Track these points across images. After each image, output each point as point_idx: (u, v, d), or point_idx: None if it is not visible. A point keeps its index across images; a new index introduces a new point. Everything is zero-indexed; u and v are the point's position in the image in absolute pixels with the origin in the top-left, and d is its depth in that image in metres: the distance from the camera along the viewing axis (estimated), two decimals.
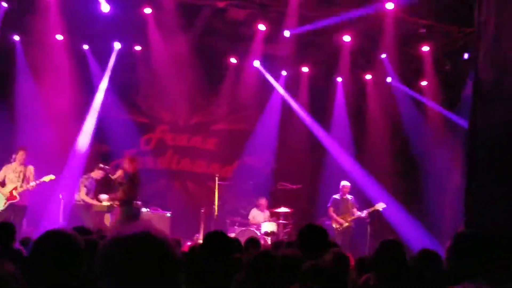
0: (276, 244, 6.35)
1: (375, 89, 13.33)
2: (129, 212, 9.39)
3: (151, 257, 1.64)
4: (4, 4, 10.48)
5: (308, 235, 4.33)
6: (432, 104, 12.63)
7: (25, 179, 9.59)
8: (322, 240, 4.30)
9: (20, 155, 9.65)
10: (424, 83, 12.82)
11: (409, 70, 12.76)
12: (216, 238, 4.31)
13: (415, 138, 12.79)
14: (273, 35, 11.45)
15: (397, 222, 12.05)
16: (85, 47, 12.14)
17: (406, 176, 13.06)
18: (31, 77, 11.65)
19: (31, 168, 9.70)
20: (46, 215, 10.63)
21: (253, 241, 6.02)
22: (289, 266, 3.89)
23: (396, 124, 13.06)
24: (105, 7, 10.11)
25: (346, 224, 11.12)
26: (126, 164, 9.57)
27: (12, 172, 9.62)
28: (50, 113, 11.48)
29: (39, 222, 10.26)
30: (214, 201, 11.19)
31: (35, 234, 6.40)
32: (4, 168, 9.71)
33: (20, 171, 9.59)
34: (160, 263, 1.64)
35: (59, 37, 11.37)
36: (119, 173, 9.65)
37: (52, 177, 9.68)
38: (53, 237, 2.84)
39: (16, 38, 11.63)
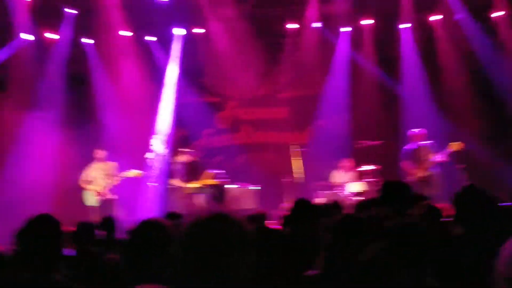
0: (360, 204, 6.39)
1: (443, 29, 12.82)
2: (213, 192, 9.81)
3: (225, 235, 1.87)
4: (73, 11, 11.00)
5: (390, 191, 4.36)
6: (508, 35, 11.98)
7: (109, 175, 10.18)
8: (405, 194, 4.30)
9: (100, 154, 10.27)
10: (495, 14, 12.19)
11: (477, 3, 12.16)
12: (301, 206, 4.47)
13: (494, 75, 12.20)
14: None
15: (484, 162, 11.59)
16: (150, 38, 12.54)
17: (489, 117, 12.52)
18: (105, 75, 12.25)
19: (113, 164, 10.27)
20: (140, 203, 11.22)
21: (336, 205, 6.13)
22: (375, 226, 3.95)
23: (472, 63, 12.50)
24: None
25: (426, 172, 10.36)
26: None
27: (97, 170, 10.23)
28: (128, 106, 12.04)
29: (135, 211, 10.87)
30: (293, 169, 11.29)
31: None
32: (89, 167, 10.35)
33: (104, 168, 10.20)
34: (234, 241, 1.88)
35: (125, 33, 11.84)
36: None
37: (139, 173, 10.21)
38: (146, 226, 3.10)
39: (87, 40, 12.23)
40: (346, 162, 11.64)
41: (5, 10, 10.30)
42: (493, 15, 12.23)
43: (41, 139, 11.03)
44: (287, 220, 5.00)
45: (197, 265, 1.83)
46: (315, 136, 13.32)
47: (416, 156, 10.54)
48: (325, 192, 11.20)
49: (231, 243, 1.87)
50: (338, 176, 11.64)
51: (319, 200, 10.21)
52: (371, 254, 2.54)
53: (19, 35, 11.05)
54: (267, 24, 12.53)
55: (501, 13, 12.10)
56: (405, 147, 10.80)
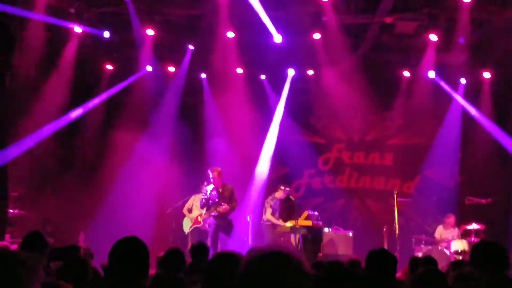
0: (455, 263, 6.09)
1: None
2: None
3: (281, 273, 1.78)
4: (191, 47, 11.75)
5: (482, 253, 4.11)
6: None
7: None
8: (498, 259, 4.03)
9: (205, 185, 10.61)
10: None
11: None
12: (379, 257, 4.35)
13: None
14: (446, 43, 11.06)
15: None
16: (262, 77, 13.02)
17: None
18: (216, 108, 12.84)
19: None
20: (235, 236, 11.43)
21: (429, 260, 5.87)
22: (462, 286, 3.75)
23: None
24: (277, 38, 10.73)
25: None
26: None
27: (198, 200, 10.49)
28: (234, 140, 12.48)
29: (228, 243, 11.08)
30: (395, 218, 10.97)
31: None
32: (193, 197, 10.81)
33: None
34: (288, 278, 1.78)
35: (239, 70, 12.39)
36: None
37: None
38: (219, 259, 3.22)
39: (203, 75, 12.95)
40: (452, 218, 11.13)
41: (133, 43, 11.22)
42: None
43: (150, 163, 11.73)
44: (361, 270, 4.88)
45: None
46: (421, 187, 12.88)
47: None
48: (427, 247, 10.77)
49: (285, 283, 1.78)
50: (442, 231, 11.17)
51: (419, 254, 9.84)
52: None
53: (143, 66, 11.96)
54: (381, 70, 12.50)
55: None
56: None
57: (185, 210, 10.76)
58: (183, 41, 11.67)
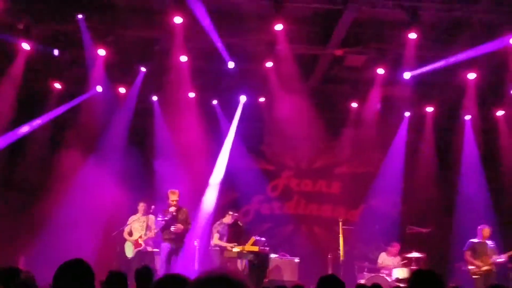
0: None
1: (508, 125, 12.64)
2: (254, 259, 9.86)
3: None
4: (143, 69, 11.68)
5: (420, 281, 4.26)
6: None
7: (147, 228, 10.36)
8: (435, 285, 4.19)
9: (141, 206, 10.56)
10: None
11: None
12: (329, 283, 4.44)
13: None
14: (393, 77, 11.45)
15: None
16: (214, 102, 13.06)
17: None
18: (167, 132, 12.75)
19: (152, 218, 10.46)
20: (181, 261, 11.31)
21: (376, 287, 6.02)
22: None
23: None
24: (230, 64, 10.84)
25: (486, 267, 10.34)
26: None
27: (137, 222, 10.48)
28: (184, 164, 12.40)
29: (175, 267, 10.94)
30: (339, 246, 11.16)
31: None
32: (130, 219, 10.62)
33: (143, 221, 10.44)
34: None
35: (191, 94, 12.38)
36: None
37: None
38: (167, 280, 3.20)
39: (154, 98, 12.86)
40: (394, 246, 11.45)
41: (83, 63, 11.05)
42: None
43: (97, 185, 11.49)
44: None
45: None
46: (365, 215, 13.20)
47: (479, 250, 10.59)
48: (370, 274, 10.98)
49: None
50: (385, 259, 11.45)
51: (361, 281, 10.02)
52: None
53: (93, 86, 11.76)
54: (331, 100, 12.81)
55: None
56: (471, 239, 10.65)
57: (125, 234, 10.56)
58: (135, 62, 11.59)
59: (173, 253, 9.86)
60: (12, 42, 10.21)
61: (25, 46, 10.34)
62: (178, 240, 9.93)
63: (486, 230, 10.67)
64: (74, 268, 3.34)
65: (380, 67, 11.30)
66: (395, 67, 11.07)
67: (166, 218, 9.86)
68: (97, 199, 11.40)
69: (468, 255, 10.63)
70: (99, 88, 11.86)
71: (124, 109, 12.37)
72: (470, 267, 10.51)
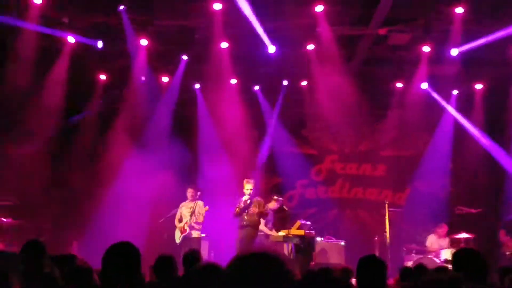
0: (440, 268, 6.17)
1: None
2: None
3: (265, 273, 1.81)
4: (184, 57, 11.76)
5: (463, 261, 4.17)
6: None
7: (193, 213, 10.45)
8: (477, 267, 4.09)
9: (189, 192, 10.60)
10: None
11: None
12: (369, 263, 4.41)
13: None
14: (439, 55, 11.14)
15: None
16: (256, 87, 13.05)
17: None
18: (210, 119, 12.84)
19: (200, 203, 10.52)
20: (229, 245, 11.43)
21: (421, 268, 5.93)
22: None
23: None
24: (271, 49, 10.77)
25: None
26: None
27: (185, 208, 10.58)
28: (228, 150, 12.49)
29: (220, 251, 11.07)
30: (386, 228, 11.04)
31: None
32: (180, 205, 10.72)
33: (191, 207, 10.51)
34: (273, 279, 1.80)
35: (233, 80, 12.41)
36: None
37: (206, 208, 10.39)
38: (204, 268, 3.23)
39: (196, 86, 12.96)
40: (442, 228, 11.25)
41: (126, 53, 11.21)
42: None
43: (143, 174, 11.69)
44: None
45: None
46: (412, 197, 12.97)
47: None
48: (417, 256, 10.84)
49: (270, 282, 1.80)
50: (433, 241, 11.28)
51: (409, 263, 9.90)
52: None
53: (137, 77, 11.94)
54: (374, 81, 12.57)
55: None
56: (509, 217, 10.31)
57: (176, 221, 10.70)
58: (177, 51, 11.69)
59: (242, 241, 10.01)
60: (57, 35, 10.44)
61: (70, 39, 10.57)
62: (250, 229, 10.08)
63: None
64: (122, 249, 3.43)
65: (425, 45, 10.98)
66: (442, 44, 10.75)
67: (238, 206, 10.09)
68: (143, 187, 11.59)
69: (503, 234, 10.32)
70: (142, 78, 12.03)
71: (167, 98, 12.51)
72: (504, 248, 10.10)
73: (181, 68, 12.01)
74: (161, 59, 11.92)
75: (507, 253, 10.23)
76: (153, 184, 11.66)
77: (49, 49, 10.71)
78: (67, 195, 11.60)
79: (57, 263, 4.97)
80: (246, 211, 10.09)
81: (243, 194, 10.18)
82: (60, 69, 10.95)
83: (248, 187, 10.16)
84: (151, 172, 11.67)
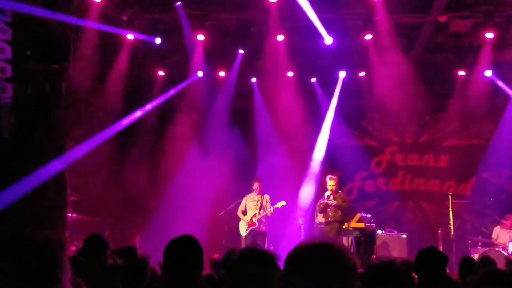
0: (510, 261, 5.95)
1: None
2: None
3: (324, 264, 1.78)
4: (241, 51, 11.80)
5: None
6: None
7: (262, 207, 10.47)
8: None
9: (256, 185, 10.63)
10: None
11: None
12: (428, 255, 4.29)
13: None
14: (503, 40, 10.69)
15: None
16: (313, 79, 12.93)
17: None
18: (267, 112, 12.85)
19: (267, 197, 10.54)
20: (286, 239, 11.43)
21: (486, 260, 5.75)
22: None
23: None
24: (328, 40, 10.63)
25: None
26: None
27: (251, 201, 10.60)
28: (285, 143, 12.46)
29: (279, 244, 11.07)
30: (450, 220, 10.75)
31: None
32: (245, 198, 10.74)
33: (258, 200, 10.52)
34: (334, 271, 1.77)
35: (290, 73, 12.34)
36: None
37: (283, 203, 10.38)
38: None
39: (253, 79, 12.98)
40: (509, 219, 10.87)
41: (183, 49, 11.35)
42: None
43: (203, 168, 11.84)
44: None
45: None
46: (478, 188, 12.55)
47: None
48: (483, 248, 10.52)
49: (331, 274, 1.78)
50: (499, 232, 10.92)
51: (475, 255, 9.59)
52: None
53: (195, 72, 12.08)
54: (435, 70, 12.21)
55: None
56: None
57: (239, 213, 10.75)
58: (233, 45, 11.73)
59: (328, 236, 9.99)
60: (117, 33, 10.68)
61: (129, 36, 10.80)
62: (336, 224, 10.20)
63: None
64: (183, 242, 3.46)
65: (488, 31, 10.54)
66: (505, 30, 10.31)
67: (323, 202, 10.25)
68: (203, 182, 11.75)
69: None
70: (200, 73, 12.16)
71: (224, 92, 12.60)
72: None
73: (238, 62, 12.05)
74: (218, 54, 12.00)
75: None
76: (212, 178, 11.78)
77: (109, 47, 10.97)
78: (129, 191, 11.88)
79: (119, 255, 5.13)
80: (329, 208, 10.18)
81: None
82: (120, 67, 11.19)
83: (330, 183, 10.26)
84: (211, 167, 11.80)
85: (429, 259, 4.29)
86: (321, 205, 10.25)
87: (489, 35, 10.61)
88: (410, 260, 6.18)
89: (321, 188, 11.73)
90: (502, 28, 10.37)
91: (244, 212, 10.65)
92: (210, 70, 12.34)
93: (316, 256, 1.82)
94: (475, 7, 9.95)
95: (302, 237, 11.04)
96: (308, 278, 1.79)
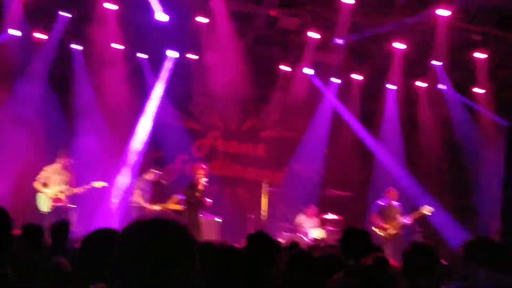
0: (314, 247, 6.44)
1: (427, 96, 13.13)
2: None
3: (165, 240, 1.68)
4: (68, 15, 10.94)
5: (350, 238, 4.37)
6: (485, 112, 12.38)
7: (68, 182, 9.84)
8: (364, 243, 4.31)
9: (62, 159, 9.94)
10: (477, 90, 12.50)
11: (462, 77, 12.48)
12: (260, 239, 4.43)
13: (467, 146, 12.58)
14: (325, 43, 11.45)
15: (447, 230, 11.85)
16: (142, 55, 12.53)
17: (457, 186, 12.85)
18: (89, 84, 12.11)
19: (72, 173, 9.97)
20: (98, 216, 10.97)
21: (294, 245, 6.12)
22: (328, 266, 3.93)
23: (448, 131, 12.90)
24: (161, 17, 10.36)
25: (394, 231, 10.67)
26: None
27: (56, 175, 9.86)
28: (106, 118, 11.90)
29: (91, 223, 10.56)
30: (262, 207, 11.30)
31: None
32: (47, 169, 9.91)
33: (65, 174, 9.88)
34: (175, 247, 1.69)
35: (117, 46, 11.78)
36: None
37: (103, 184, 9.95)
38: (100, 235, 3.01)
39: (76, 46, 12.13)
40: (312, 208, 11.74)
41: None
42: (475, 90, 12.56)
43: (10, 134, 10.79)
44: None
45: (136, 270, 1.64)
46: (288, 178, 13.37)
47: (386, 213, 10.84)
48: (288, 233, 11.22)
49: (171, 250, 1.68)
50: (302, 220, 11.72)
51: (280, 240, 10.20)
52: None
53: (7, 30, 10.90)
54: (263, 63, 12.63)
55: (482, 91, 12.39)
56: (377, 201, 10.95)
57: (38, 185, 9.77)
58: (57, 7, 10.83)
59: None
60: None
61: None
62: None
63: (391, 191, 10.96)
64: None
65: (313, 31, 11.19)
66: (329, 33, 11.03)
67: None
68: (10, 150, 10.69)
69: (374, 217, 10.80)
70: (16, 32, 10.99)
71: (43, 56, 11.56)
72: (378, 231, 10.62)
73: (61, 25, 11.15)
74: (40, 14, 10.97)
75: (382, 234, 10.71)
76: (21, 148, 10.77)
77: None
78: None
79: None
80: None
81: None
82: None
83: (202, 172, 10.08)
84: (22, 131, 10.76)
85: (257, 241, 4.39)
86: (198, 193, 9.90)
87: (313, 35, 11.28)
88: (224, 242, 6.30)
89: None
90: (325, 30, 11.05)
91: (45, 185, 9.82)
92: (29, 31, 11.21)
93: (155, 230, 1.71)
94: (303, 7, 10.49)
95: (115, 215, 10.75)
96: (144, 252, 1.66)
